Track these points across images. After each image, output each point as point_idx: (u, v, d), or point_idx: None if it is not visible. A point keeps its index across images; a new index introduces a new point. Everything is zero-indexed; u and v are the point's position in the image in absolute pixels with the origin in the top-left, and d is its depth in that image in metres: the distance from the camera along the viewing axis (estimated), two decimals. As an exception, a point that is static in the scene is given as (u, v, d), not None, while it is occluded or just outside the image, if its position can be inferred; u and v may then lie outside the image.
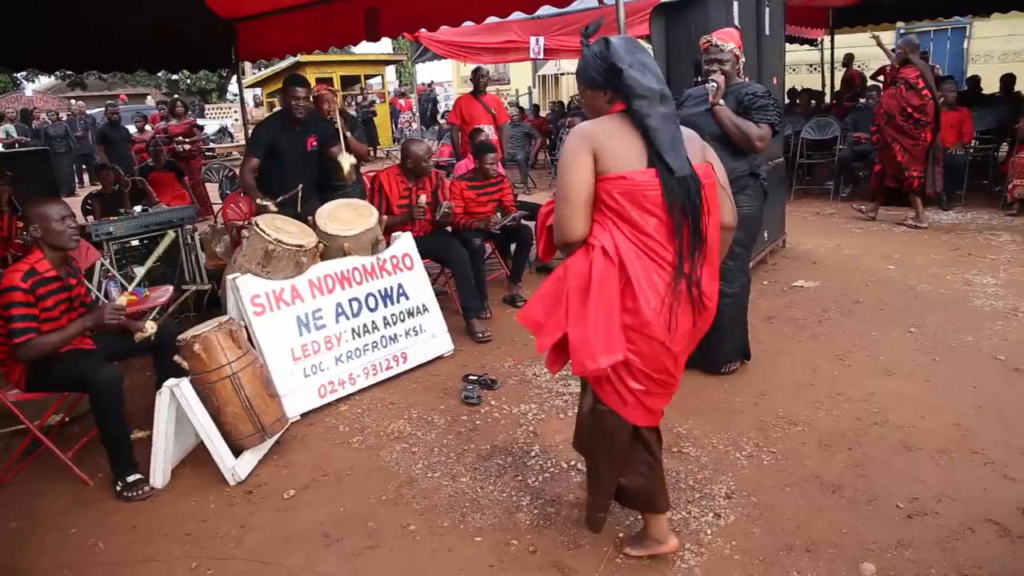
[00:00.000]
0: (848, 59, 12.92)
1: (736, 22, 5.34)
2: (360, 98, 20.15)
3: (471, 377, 4.29)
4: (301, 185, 5.06)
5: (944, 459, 3.16)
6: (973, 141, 8.98)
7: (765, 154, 6.06)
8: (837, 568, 2.53)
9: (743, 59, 4.27)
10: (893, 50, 7.41)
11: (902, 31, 16.55)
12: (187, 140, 10.26)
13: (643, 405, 2.39)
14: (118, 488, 3.32)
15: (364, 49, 20.16)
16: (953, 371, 4.03)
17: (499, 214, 5.58)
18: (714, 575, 2.54)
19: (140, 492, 3.30)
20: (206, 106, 29.76)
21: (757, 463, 3.24)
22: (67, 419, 4.01)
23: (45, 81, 35.45)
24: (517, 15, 6.83)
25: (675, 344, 2.31)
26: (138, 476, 3.35)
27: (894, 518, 2.79)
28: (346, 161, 5.37)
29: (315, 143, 5.32)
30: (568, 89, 20.22)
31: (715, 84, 3.97)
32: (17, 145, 15.82)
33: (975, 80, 11.45)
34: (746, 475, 3.15)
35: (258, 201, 4.95)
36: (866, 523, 2.76)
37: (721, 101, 3.99)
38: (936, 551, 2.58)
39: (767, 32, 5.92)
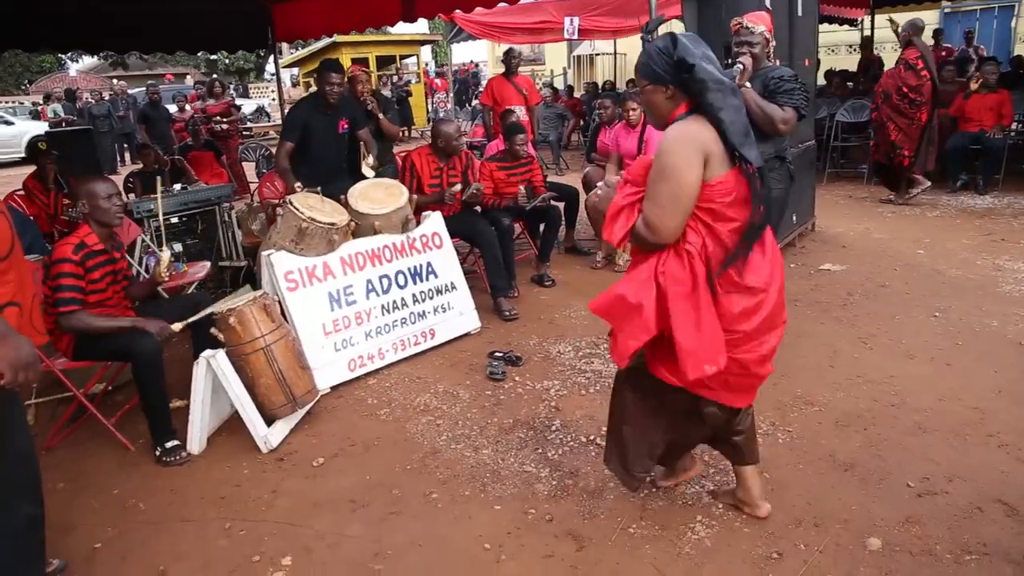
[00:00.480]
0: (866, 42, 12.63)
1: (767, 4, 5.33)
2: (396, 78, 20.28)
3: (496, 354, 4.40)
4: (319, 188, 5.20)
5: (958, 441, 3.20)
6: (1014, 124, 8.82)
7: (795, 136, 6.07)
8: (844, 542, 2.60)
9: (773, 43, 4.30)
10: (908, 38, 7.43)
11: (947, 10, 16.20)
12: (224, 120, 10.46)
13: (743, 390, 2.52)
14: (157, 453, 3.49)
15: (400, 29, 20.25)
16: (975, 355, 4.04)
17: (523, 190, 5.64)
18: (723, 545, 2.63)
19: (178, 457, 3.47)
20: (249, 86, 30.11)
21: (772, 441, 3.31)
22: (110, 388, 4.21)
23: (88, 61, 36.18)
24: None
25: (773, 341, 2.43)
26: (176, 442, 3.52)
27: (904, 496, 2.84)
28: (366, 167, 5.46)
29: (346, 126, 5.44)
30: (603, 70, 20.13)
31: (741, 66, 4.00)
32: (64, 124, 16.26)
33: (1019, 60, 11.21)
34: (761, 453, 3.20)
35: (291, 186, 5.08)
36: (876, 501, 2.82)
37: (748, 84, 4.03)
38: (943, 528, 2.64)
39: (800, 13, 5.89)
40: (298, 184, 5.02)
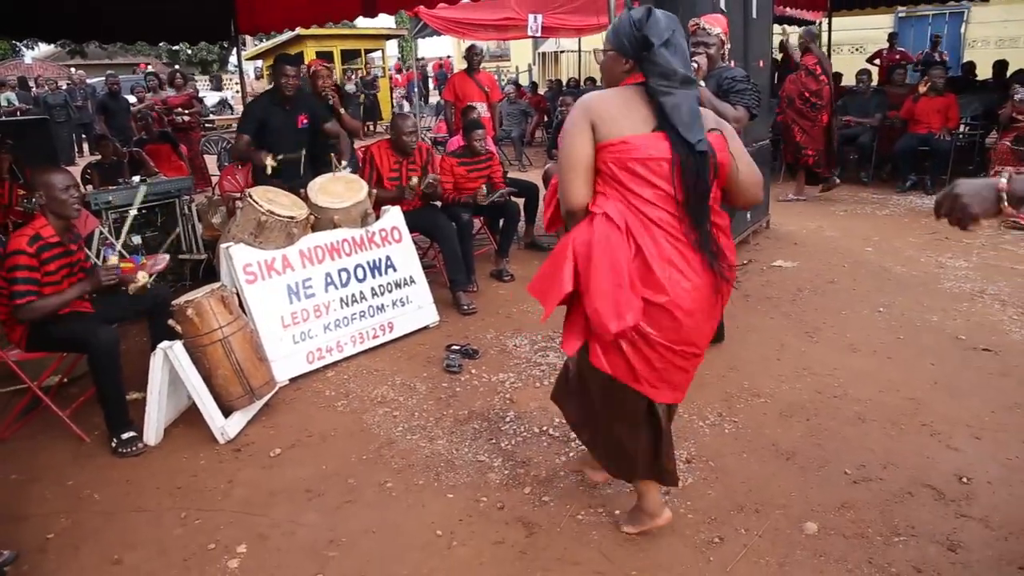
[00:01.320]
0: (782, 45, 12.54)
1: (722, 5, 5.46)
2: (363, 73, 20.19)
3: (454, 347, 4.46)
4: (304, 151, 5.20)
5: (894, 430, 3.34)
6: (961, 127, 9.10)
7: (751, 136, 6.21)
8: (782, 527, 2.72)
9: (728, 45, 4.41)
10: (806, 45, 8.05)
11: (901, 14, 16.59)
12: (186, 112, 10.35)
13: (665, 381, 2.39)
14: (113, 444, 3.50)
15: (365, 23, 20.18)
16: (915, 349, 4.20)
17: (484, 188, 5.71)
18: (667, 530, 2.72)
19: (134, 448, 3.48)
20: (223, 77, 29.63)
21: (719, 431, 3.42)
22: (65, 380, 4.18)
23: (44, 49, 35.34)
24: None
25: (695, 316, 2.31)
26: (133, 434, 3.52)
27: (840, 483, 2.97)
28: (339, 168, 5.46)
29: (306, 121, 5.44)
30: (568, 67, 20.24)
31: (696, 65, 4.11)
32: (18, 113, 15.91)
33: (970, 66, 11.53)
34: (707, 442, 3.33)
35: (262, 161, 5.07)
36: (814, 487, 2.95)
37: (702, 83, 4.14)
38: (875, 512, 2.77)
39: (754, 15, 6.02)
40: (268, 155, 5.03)
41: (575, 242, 2.29)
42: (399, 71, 23.50)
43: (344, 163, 5.47)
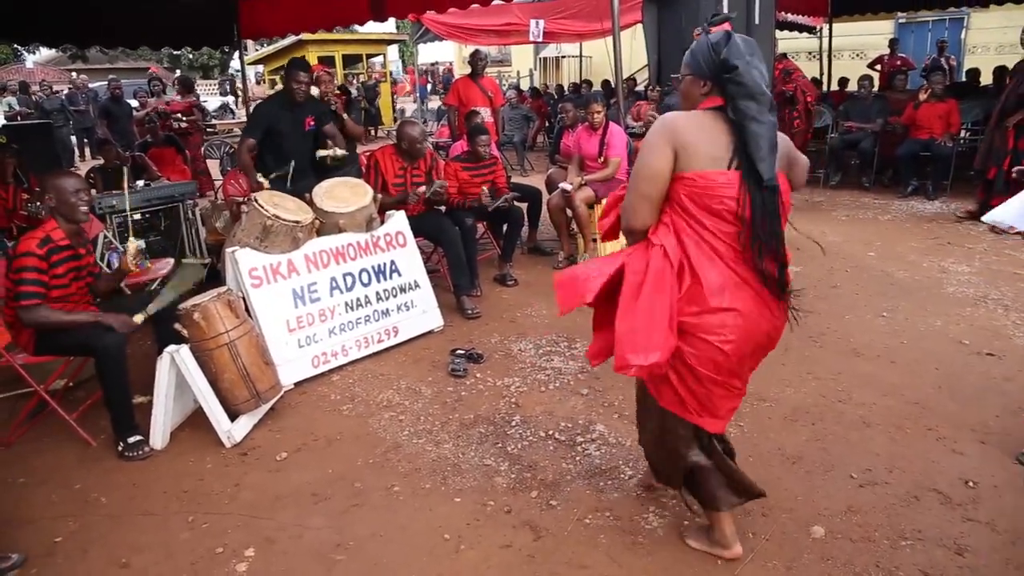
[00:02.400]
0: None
1: (726, 11, 5.48)
2: (365, 77, 20.22)
3: (459, 351, 4.47)
4: (293, 163, 5.22)
5: (899, 434, 3.35)
6: (962, 132, 9.12)
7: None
8: (789, 530, 2.73)
9: None
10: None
11: (902, 20, 16.64)
12: (184, 119, 10.36)
13: (709, 411, 2.39)
14: (120, 448, 3.51)
15: (366, 28, 20.27)
16: (918, 353, 4.21)
17: (485, 189, 5.72)
18: (675, 535, 2.73)
19: (140, 452, 3.49)
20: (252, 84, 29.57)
21: (724, 435, 3.42)
22: (71, 384, 4.19)
23: (46, 53, 35.36)
24: (522, -2, 6.98)
25: (743, 351, 2.30)
26: (139, 437, 3.53)
27: (847, 487, 2.98)
28: (325, 154, 5.48)
29: (312, 123, 5.47)
30: (569, 72, 20.28)
31: None
32: (19, 118, 15.92)
33: (975, 72, 11.57)
34: (713, 446, 3.33)
35: (253, 182, 5.11)
36: (820, 491, 2.96)
37: None
38: (882, 516, 2.77)
39: (756, 21, 6.05)
40: (261, 177, 5.04)
41: (627, 267, 2.32)
42: (395, 82, 23.51)
43: (335, 149, 5.48)
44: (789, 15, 12.01)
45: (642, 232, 2.34)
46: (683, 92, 2.41)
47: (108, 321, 3.51)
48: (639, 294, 2.26)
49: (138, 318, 3.62)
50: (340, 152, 5.51)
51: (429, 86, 20.43)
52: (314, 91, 5.76)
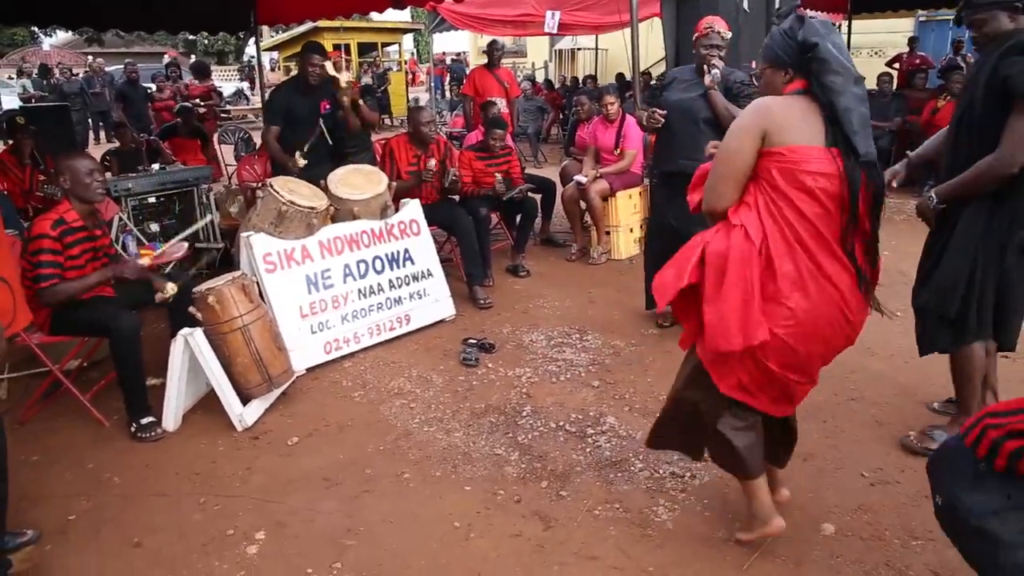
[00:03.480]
0: None
1: (745, 7, 5.44)
2: (375, 66, 20.21)
3: (470, 340, 4.47)
4: (321, 123, 5.22)
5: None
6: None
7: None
8: (801, 526, 2.72)
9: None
10: None
11: (922, 19, 16.49)
12: (202, 104, 10.38)
13: (772, 397, 2.37)
14: (132, 429, 3.53)
15: (382, 16, 20.23)
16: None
17: (499, 177, 5.71)
18: (684, 528, 2.74)
19: (153, 433, 3.52)
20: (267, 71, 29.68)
21: (735, 431, 3.42)
22: (85, 364, 4.22)
23: (63, 36, 35.49)
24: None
25: (813, 343, 2.25)
26: (152, 419, 3.56)
27: (858, 485, 2.97)
28: (342, 77, 5.42)
29: (328, 106, 5.47)
30: (585, 64, 20.20)
31: (717, 72, 4.13)
32: (33, 100, 16.00)
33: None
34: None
35: (291, 165, 5.10)
36: (831, 488, 2.95)
37: (716, 87, 4.16)
38: (892, 515, 2.77)
39: (776, 17, 6.00)
40: (299, 155, 5.06)
41: (709, 252, 2.28)
42: (413, 73, 23.46)
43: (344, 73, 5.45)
44: (809, 11, 11.93)
45: (722, 213, 2.31)
46: (766, 86, 2.37)
47: (121, 272, 3.57)
48: (723, 280, 2.23)
49: (169, 287, 3.67)
50: (344, 75, 5.41)
51: (448, 77, 20.38)
52: (341, 75, 5.71)
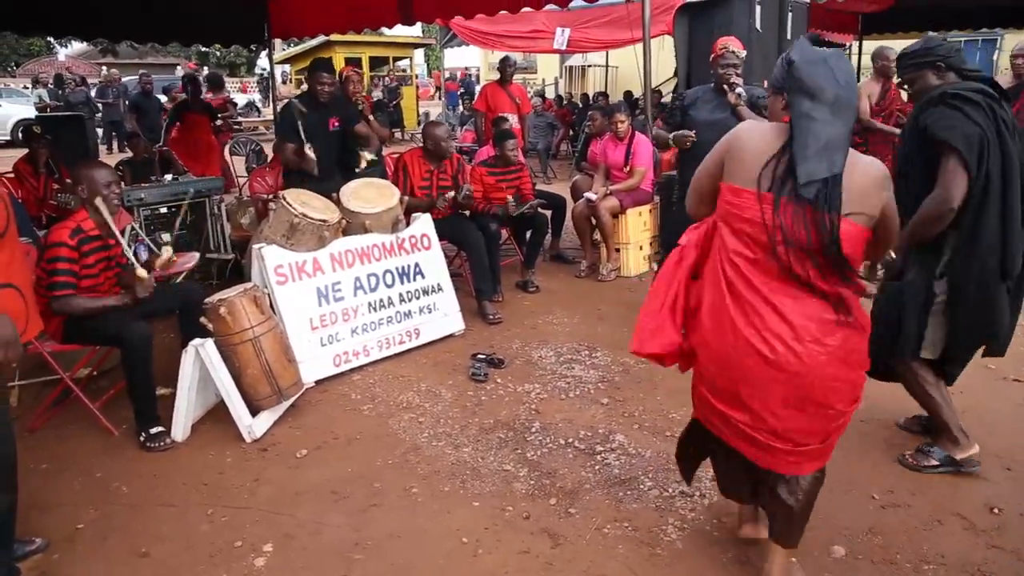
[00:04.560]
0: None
1: (758, 27, 5.47)
2: (388, 80, 20.34)
3: (479, 355, 4.47)
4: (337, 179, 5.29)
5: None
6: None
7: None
8: (810, 548, 2.70)
9: None
10: None
11: (964, 38, 16.51)
12: (220, 115, 10.43)
13: (737, 434, 2.31)
14: (141, 439, 3.53)
15: (394, 31, 20.42)
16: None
17: (511, 199, 5.74)
18: (694, 548, 2.72)
19: (162, 443, 3.52)
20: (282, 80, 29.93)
21: (745, 450, 3.40)
22: (95, 373, 4.23)
23: (77, 47, 35.84)
24: (550, 6, 6.94)
25: (736, 377, 2.20)
26: (161, 429, 3.56)
27: (868, 507, 2.95)
28: (363, 161, 5.54)
29: (337, 123, 5.50)
30: (595, 81, 20.28)
31: (741, 90, 4.24)
32: (48, 110, 16.14)
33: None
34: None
35: (309, 165, 5.15)
36: (841, 510, 2.93)
37: (743, 104, 4.27)
38: (904, 539, 2.75)
39: (788, 36, 6.04)
40: (309, 146, 5.09)
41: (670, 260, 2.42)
42: (423, 87, 23.64)
43: (369, 154, 5.55)
44: (819, 31, 11.95)
45: (696, 220, 2.41)
46: (771, 113, 2.35)
47: (131, 296, 3.56)
48: (652, 288, 2.38)
49: (140, 272, 3.65)
50: (371, 156, 5.55)
51: (461, 90, 20.50)
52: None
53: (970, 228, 2.90)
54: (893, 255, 2.99)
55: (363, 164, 5.50)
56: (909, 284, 3.07)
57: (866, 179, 2.08)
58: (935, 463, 3.18)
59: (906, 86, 3.21)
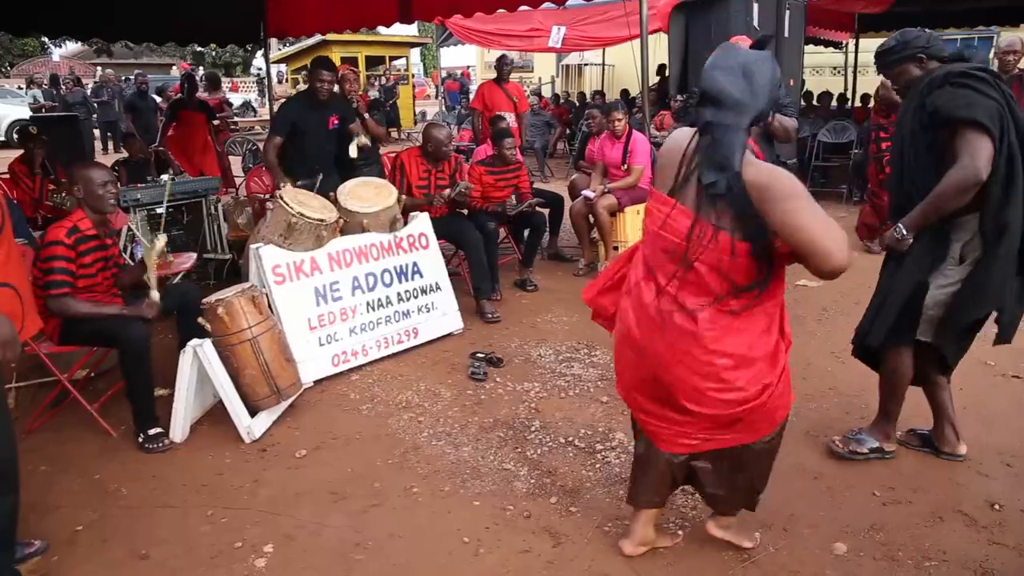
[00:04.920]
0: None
1: (756, 24, 5.47)
2: (384, 79, 20.32)
3: (478, 354, 4.46)
4: (321, 176, 5.26)
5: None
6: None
7: (781, 155, 6.24)
8: (811, 546, 2.70)
9: None
10: None
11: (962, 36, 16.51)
12: (217, 116, 10.40)
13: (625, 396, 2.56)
14: (140, 440, 3.52)
15: (390, 30, 20.38)
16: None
17: (514, 199, 5.74)
18: (695, 546, 2.71)
19: (160, 445, 3.50)
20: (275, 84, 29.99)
21: (745, 448, 3.40)
22: (92, 374, 4.22)
23: (72, 47, 35.77)
24: (547, 4, 6.93)
25: (626, 358, 2.42)
26: (159, 430, 3.54)
27: (870, 505, 2.95)
28: (354, 146, 5.54)
29: (336, 121, 5.50)
30: (591, 80, 20.27)
31: None
32: (44, 110, 16.10)
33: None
34: (734, 459, 3.31)
35: (279, 182, 5.13)
36: (843, 508, 2.93)
37: None
38: (905, 536, 2.74)
39: (786, 35, 6.04)
40: (288, 183, 5.04)
41: None
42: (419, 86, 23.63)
43: (363, 138, 5.56)
44: (815, 29, 11.96)
45: None
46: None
47: (135, 312, 3.52)
48: (610, 271, 2.62)
49: (153, 294, 3.64)
50: (365, 139, 5.55)
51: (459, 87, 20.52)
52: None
53: (999, 199, 2.80)
54: (904, 230, 2.93)
55: (356, 148, 5.48)
56: (913, 263, 3.01)
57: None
58: (865, 451, 3.26)
59: (892, 83, 3.17)
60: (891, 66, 3.08)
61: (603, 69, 18.39)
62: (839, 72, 15.10)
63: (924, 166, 2.91)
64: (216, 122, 9.69)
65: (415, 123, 20.53)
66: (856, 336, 3.38)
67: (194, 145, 8.69)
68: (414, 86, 22.36)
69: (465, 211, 5.68)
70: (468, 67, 27.36)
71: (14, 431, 2.49)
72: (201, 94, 10.82)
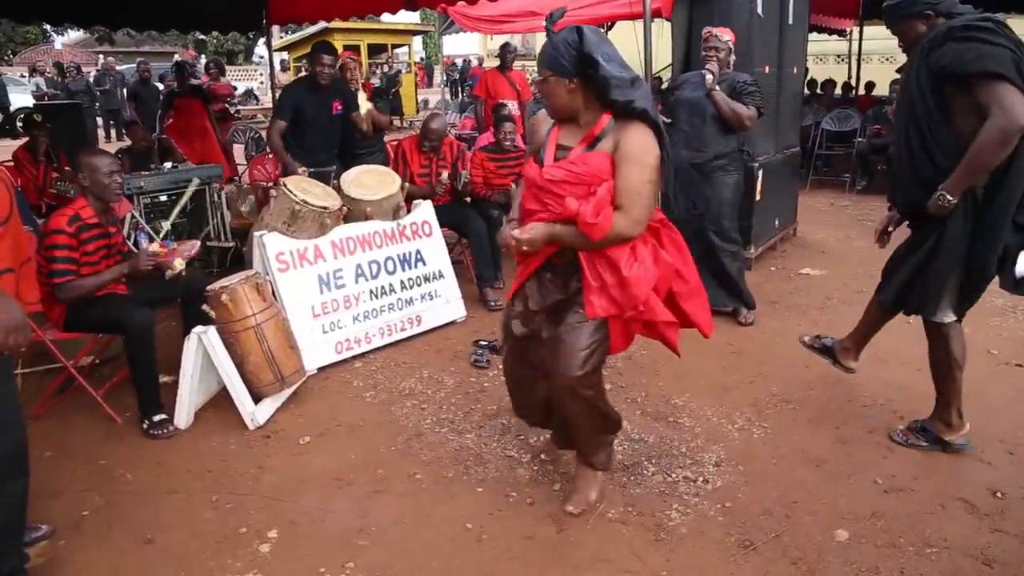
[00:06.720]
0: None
1: (759, 12, 5.44)
2: (387, 67, 20.26)
3: (481, 342, 4.47)
4: (335, 166, 5.26)
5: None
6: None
7: (781, 143, 6.21)
8: (812, 533, 2.71)
9: (733, 56, 4.58)
10: None
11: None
12: (227, 101, 10.40)
13: None
14: (145, 426, 3.54)
15: (392, 18, 20.29)
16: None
17: (516, 187, 5.73)
18: (697, 532, 2.73)
19: (165, 431, 3.52)
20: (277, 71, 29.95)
21: (747, 436, 3.42)
22: (97, 361, 4.23)
23: (74, 35, 35.71)
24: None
25: None
26: (164, 416, 3.56)
27: (871, 492, 2.96)
28: (363, 106, 5.60)
29: (340, 107, 5.49)
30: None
31: (710, 74, 4.36)
32: (46, 98, 16.09)
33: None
34: (736, 446, 3.33)
35: (289, 161, 5.13)
36: (844, 495, 2.94)
37: (716, 86, 4.36)
38: (907, 523, 2.75)
39: (790, 22, 6.00)
40: (301, 168, 5.04)
41: None
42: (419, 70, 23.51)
43: (364, 104, 5.66)
44: (818, 17, 11.89)
45: None
46: (547, 93, 2.60)
47: (133, 266, 3.57)
48: None
49: (178, 262, 3.68)
50: (367, 105, 5.66)
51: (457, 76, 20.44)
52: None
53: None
54: (948, 197, 2.81)
55: (362, 112, 5.54)
56: (949, 235, 2.96)
57: None
58: (925, 443, 3.24)
59: (899, 40, 3.08)
60: (897, 22, 3.02)
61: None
62: (843, 60, 15.03)
63: (937, 125, 2.83)
64: (215, 108, 9.68)
65: (417, 111, 20.48)
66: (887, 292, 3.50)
67: (192, 132, 8.66)
68: (416, 73, 22.27)
69: (468, 199, 5.68)
70: (476, 59, 27.27)
71: (22, 414, 2.50)
72: (207, 82, 10.79)
